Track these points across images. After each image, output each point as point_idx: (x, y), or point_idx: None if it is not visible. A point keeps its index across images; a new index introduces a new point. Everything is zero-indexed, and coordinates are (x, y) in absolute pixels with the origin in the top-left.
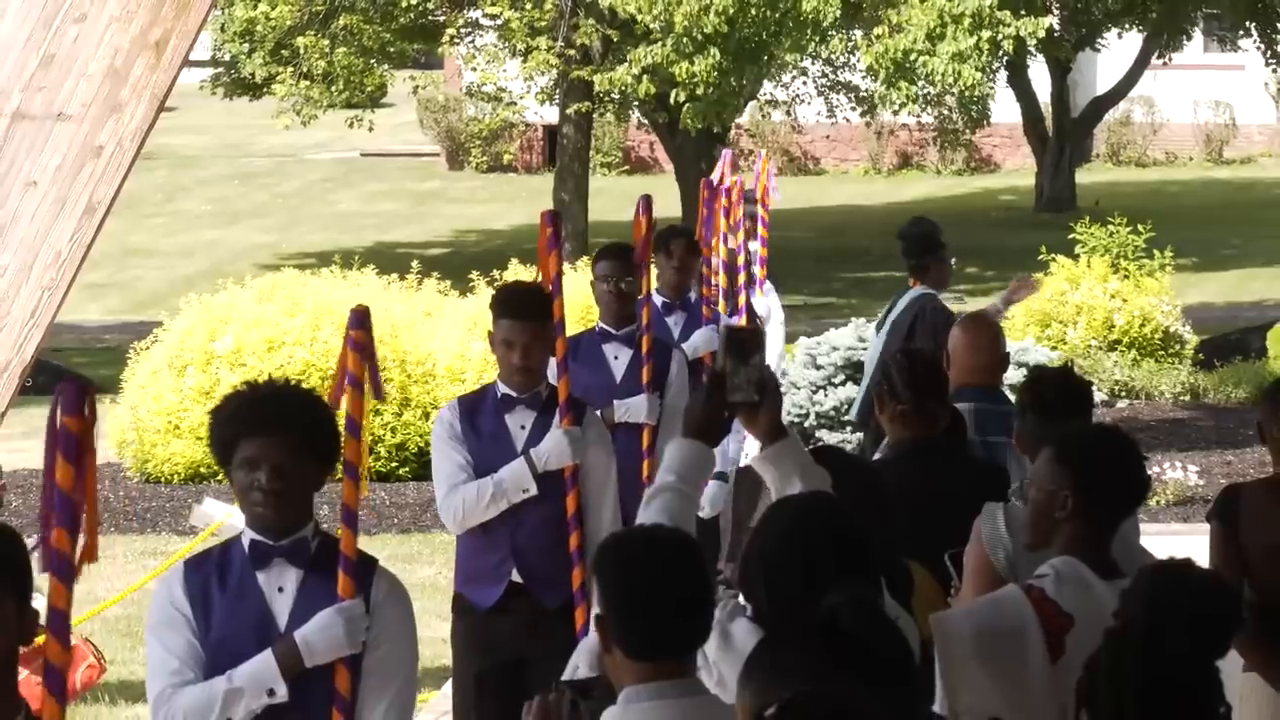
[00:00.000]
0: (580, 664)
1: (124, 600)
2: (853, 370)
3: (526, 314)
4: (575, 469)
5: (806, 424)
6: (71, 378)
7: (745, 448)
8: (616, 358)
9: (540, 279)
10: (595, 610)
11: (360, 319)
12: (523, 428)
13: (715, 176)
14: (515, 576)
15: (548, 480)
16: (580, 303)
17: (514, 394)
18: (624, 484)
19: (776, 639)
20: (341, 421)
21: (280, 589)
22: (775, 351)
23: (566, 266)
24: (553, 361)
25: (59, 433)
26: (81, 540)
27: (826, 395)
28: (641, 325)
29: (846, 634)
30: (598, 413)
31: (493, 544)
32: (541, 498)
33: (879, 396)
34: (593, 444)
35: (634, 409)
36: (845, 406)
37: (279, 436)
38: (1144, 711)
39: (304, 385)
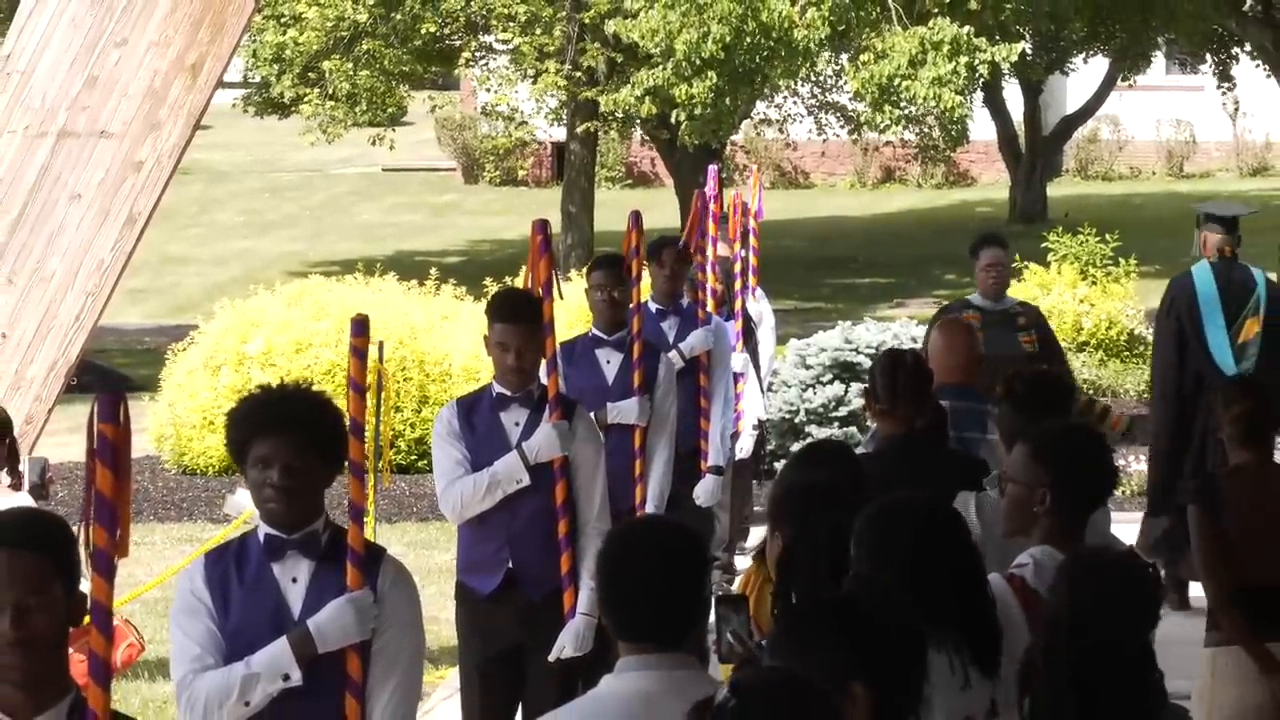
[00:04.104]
0: (566, 644)
1: (162, 584)
2: (840, 370)
3: (519, 317)
4: (564, 461)
5: (797, 420)
6: (113, 380)
7: (740, 444)
8: (609, 362)
9: (529, 283)
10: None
11: (360, 327)
12: (517, 424)
13: (708, 190)
14: (512, 565)
15: (539, 472)
16: (585, 305)
17: (508, 393)
18: (616, 482)
19: (801, 615)
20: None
21: (294, 579)
22: (766, 354)
23: (574, 272)
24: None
25: (96, 440)
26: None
27: (815, 393)
28: (632, 332)
29: (863, 614)
30: (590, 414)
31: (490, 534)
32: (534, 489)
33: (865, 395)
34: (581, 439)
35: (625, 411)
36: (833, 403)
37: (289, 436)
38: (1080, 691)
39: (316, 388)
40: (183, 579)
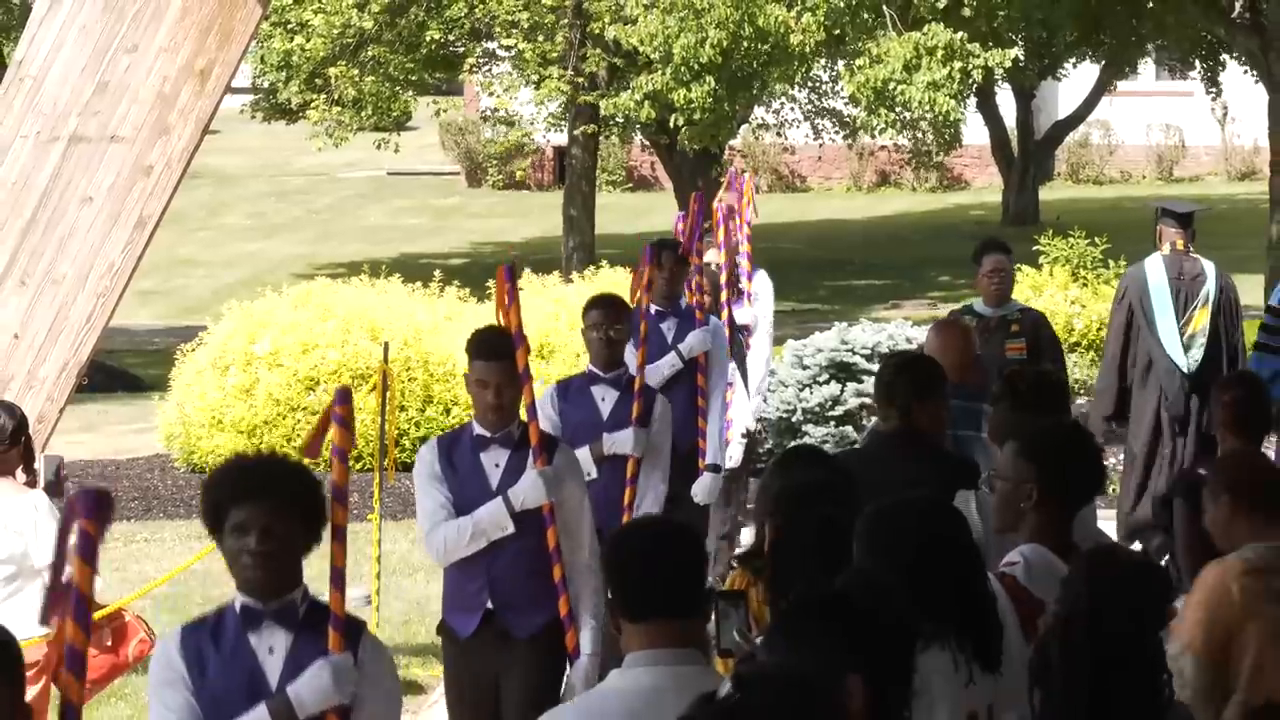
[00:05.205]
0: (577, 684)
1: (172, 580)
2: (836, 370)
3: (498, 354)
4: (553, 506)
5: (794, 419)
6: (127, 380)
7: (729, 452)
8: (604, 399)
9: (501, 320)
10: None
11: (344, 395)
12: (497, 465)
13: (725, 192)
14: (490, 605)
15: (524, 517)
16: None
17: (488, 434)
18: (610, 510)
19: (795, 610)
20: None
21: (271, 650)
22: (762, 356)
23: (575, 275)
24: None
25: (78, 536)
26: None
27: (812, 393)
28: (635, 368)
29: (856, 609)
30: (585, 448)
31: (472, 574)
32: (519, 533)
33: (876, 390)
34: (565, 479)
35: (620, 441)
36: (829, 403)
37: (266, 502)
38: (1094, 686)
39: (319, 393)
40: (159, 651)
